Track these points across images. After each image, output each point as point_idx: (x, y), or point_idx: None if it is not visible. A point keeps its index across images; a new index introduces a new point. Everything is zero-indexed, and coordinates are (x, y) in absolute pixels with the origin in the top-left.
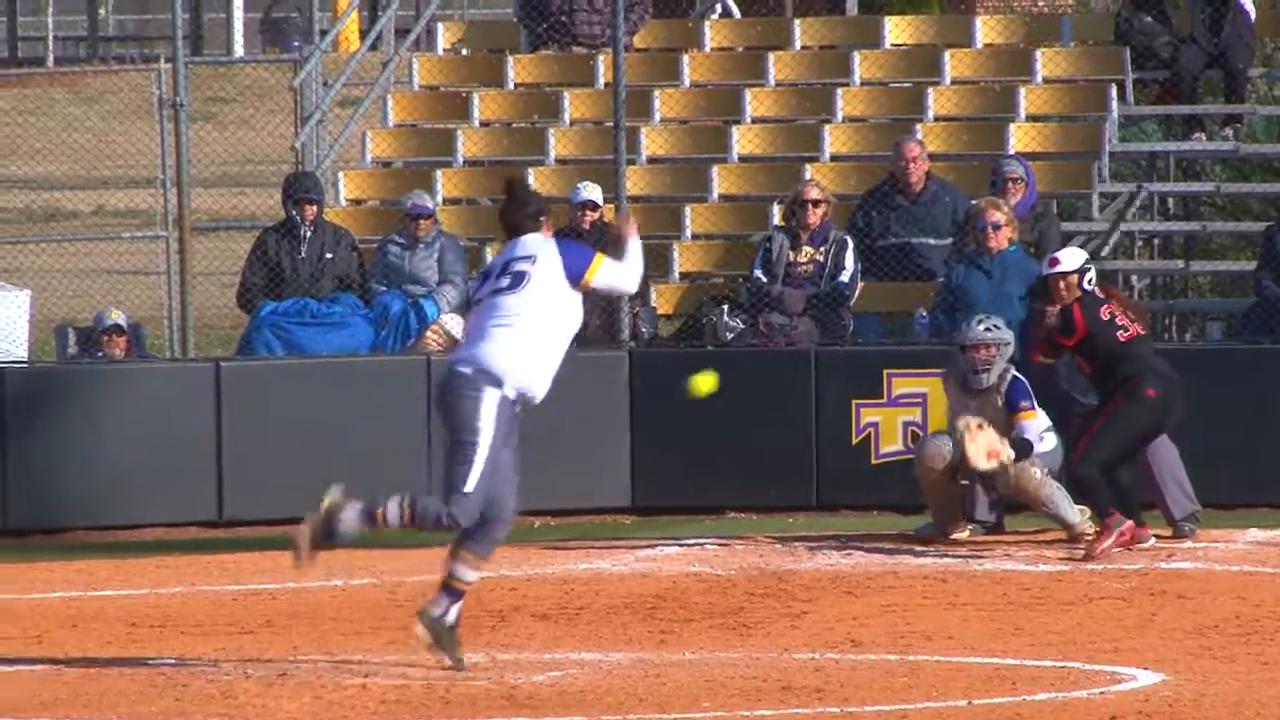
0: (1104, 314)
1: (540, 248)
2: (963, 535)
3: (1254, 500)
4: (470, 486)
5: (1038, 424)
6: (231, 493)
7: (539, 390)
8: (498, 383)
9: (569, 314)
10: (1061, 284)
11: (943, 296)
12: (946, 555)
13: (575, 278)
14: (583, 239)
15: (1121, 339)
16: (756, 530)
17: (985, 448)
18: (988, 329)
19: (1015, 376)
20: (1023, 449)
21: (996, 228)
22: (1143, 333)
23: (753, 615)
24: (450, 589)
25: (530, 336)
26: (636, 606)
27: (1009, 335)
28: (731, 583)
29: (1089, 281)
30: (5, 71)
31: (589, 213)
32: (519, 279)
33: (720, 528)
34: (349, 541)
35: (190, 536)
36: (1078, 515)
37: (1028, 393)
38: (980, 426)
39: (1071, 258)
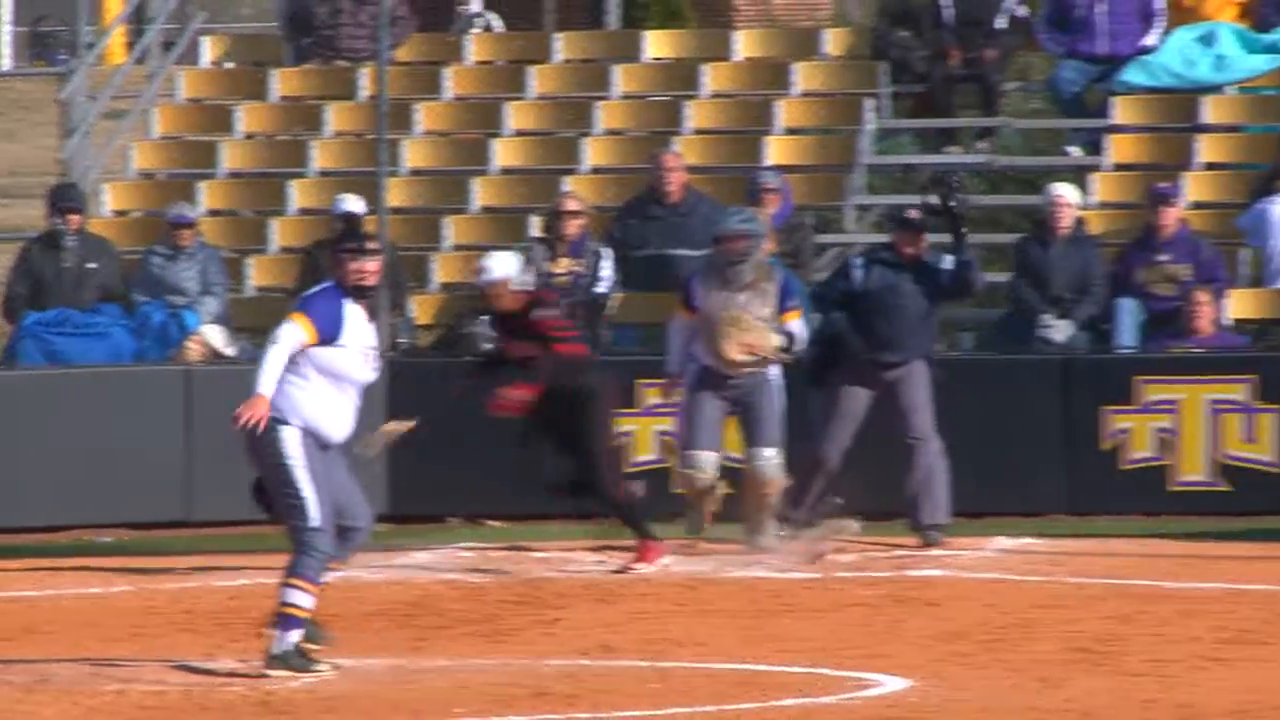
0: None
1: None
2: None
3: (1001, 509)
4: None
5: (802, 324)
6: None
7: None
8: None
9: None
10: (495, 293)
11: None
12: (697, 563)
13: None
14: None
15: (563, 349)
16: (512, 538)
17: (741, 341)
18: (742, 220)
19: (787, 274)
20: (786, 340)
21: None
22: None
23: (507, 622)
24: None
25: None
26: (392, 613)
27: (762, 229)
28: (486, 590)
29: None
30: None
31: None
32: None
33: (477, 536)
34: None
35: None
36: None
37: (795, 293)
38: (738, 322)
39: (501, 265)
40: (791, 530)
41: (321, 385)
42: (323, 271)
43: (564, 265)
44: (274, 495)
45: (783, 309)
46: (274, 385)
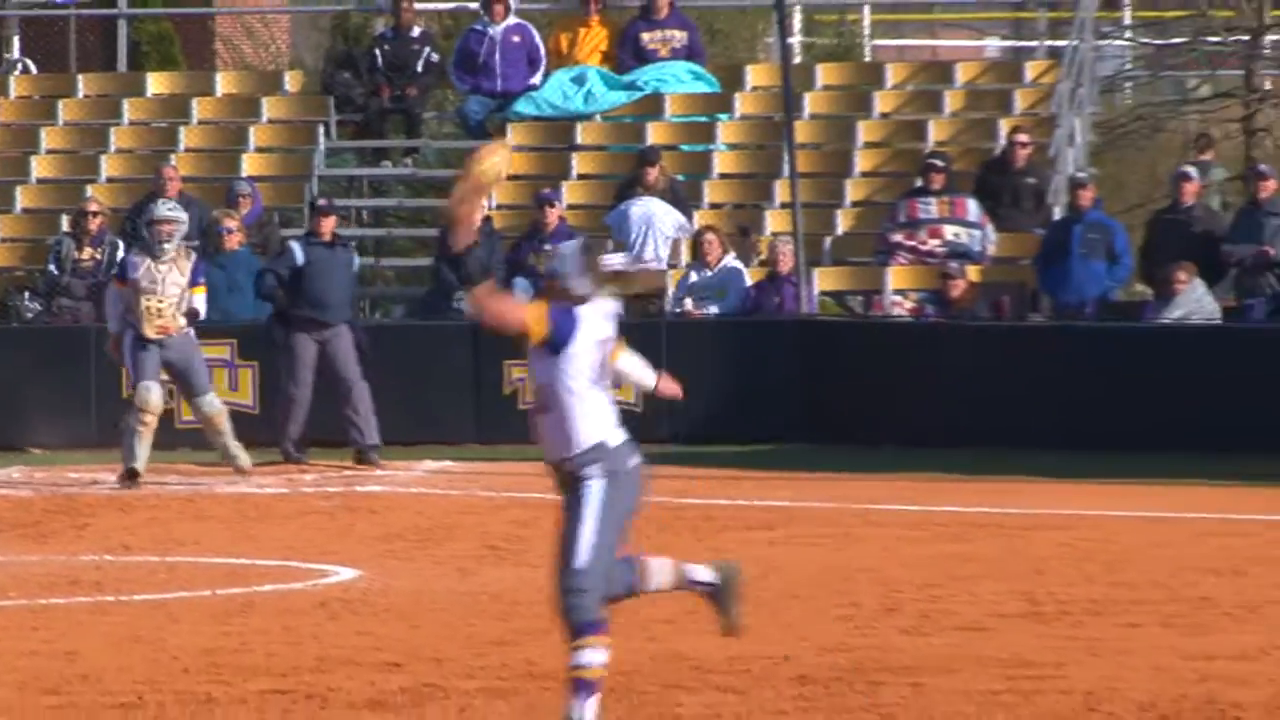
0: None
1: None
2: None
3: (425, 438)
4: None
5: (204, 299)
6: None
7: None
8: None
9: None
10: None
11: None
12: (199, 481)
13: None
14: None
15: None
16: (51, 463)
17: (152, 324)
18: (169, 209)
19: (199, 259)
20: (192, 314)
21: (229, 233)
22: None
23: (48, 527)
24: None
25: None
26: None
27: (184, 215)
28: (31, 501)
29: None
30: None
31: None
32: None
33: (23, 460)
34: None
35: None
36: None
37: (203, 273)
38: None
39: None
40: (285, 457)
41: None
42: None
43: (87, 254)
44: None
45: (192, 283)
46: None
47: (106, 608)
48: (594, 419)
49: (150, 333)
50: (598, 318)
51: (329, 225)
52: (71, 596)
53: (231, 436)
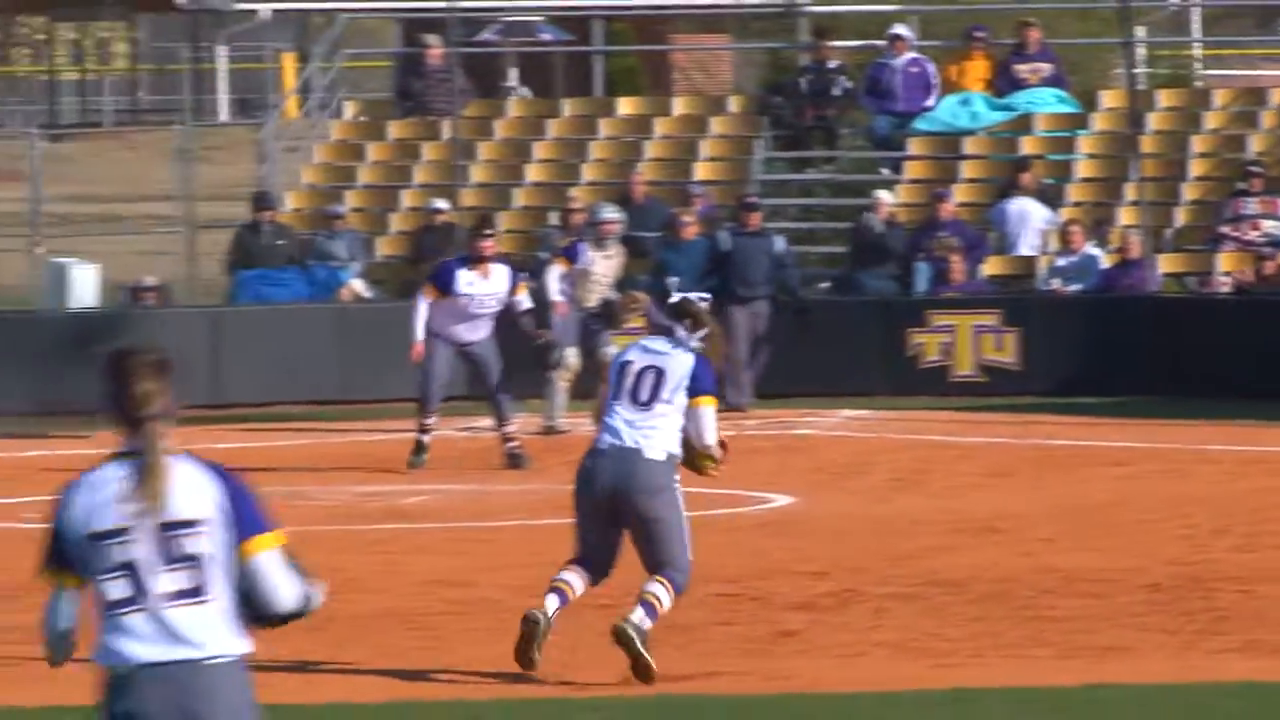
0: None
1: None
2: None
3: (844, 390)
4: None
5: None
6: (224, 385)
7: None
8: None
9: None
10: None
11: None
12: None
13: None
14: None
15: None
16: None
17: None
18: (612, 211)
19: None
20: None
21: (686, 225)
22: None
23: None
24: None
25: None
26: None
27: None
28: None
29: None
30: (78, 129)
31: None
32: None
33: None
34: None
35: (197, 414)
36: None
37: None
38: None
39: None
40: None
41: None
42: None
43: (566, 241)
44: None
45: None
46: None
47: None
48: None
49: (593, 303)
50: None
51: (755, 219)
52: None
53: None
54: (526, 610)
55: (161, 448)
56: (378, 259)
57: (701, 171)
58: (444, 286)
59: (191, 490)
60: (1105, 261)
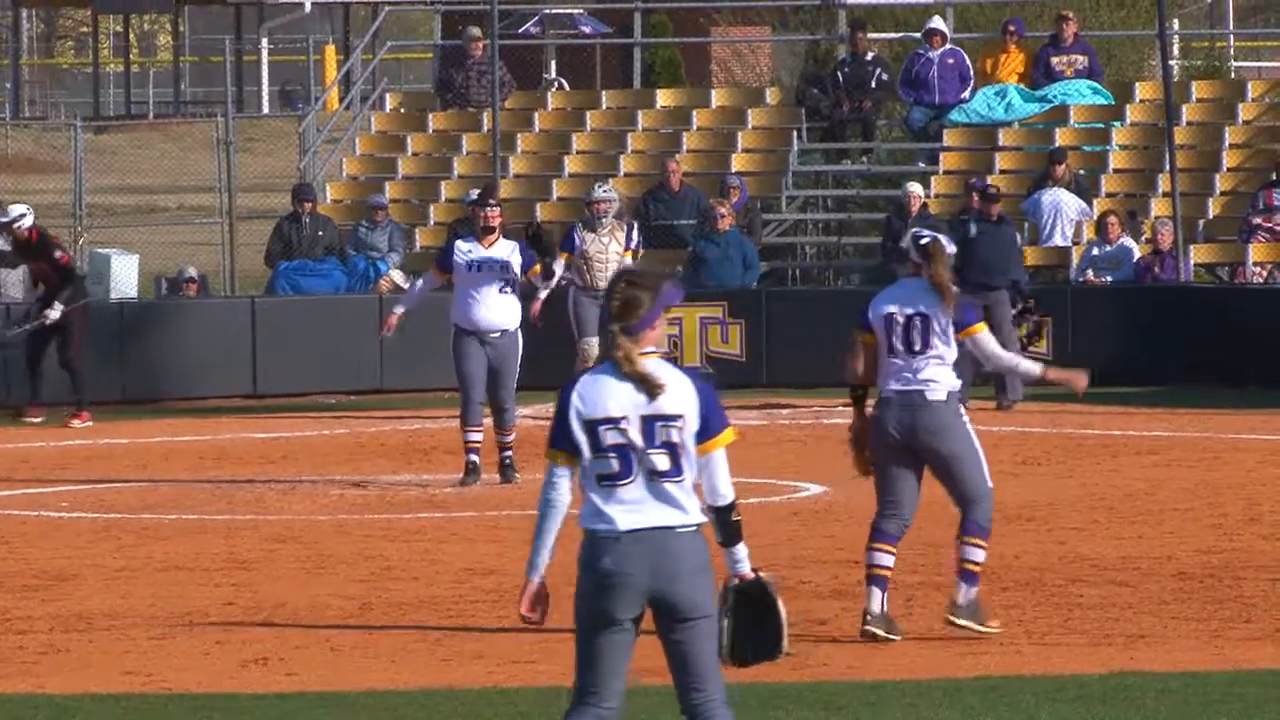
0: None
1: None
2: None
3: None
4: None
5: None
6: (262, 376)
7: None
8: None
9: None
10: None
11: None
12: None
13: None
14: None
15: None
16: None
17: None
18: (604, 190)
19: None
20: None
21: (722, 216)
22: None
23: None
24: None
25: None
26: None
27: (615, 196)
28: None
29: None
30: (124, 122)
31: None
32: None
33: None
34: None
35: (235, 404)
36: None
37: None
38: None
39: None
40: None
41: None
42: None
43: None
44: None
45: (627, 247)
46: None
47: None
48: None
49: (600, 285)
50: None
51: (996, 208)
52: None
53: None
54: (861, 628)
55: (640, 353)
56: (417, 250)
57: (739, 163)
58: (444, 264)
59: (675, 390)
60: (1138, 252)
